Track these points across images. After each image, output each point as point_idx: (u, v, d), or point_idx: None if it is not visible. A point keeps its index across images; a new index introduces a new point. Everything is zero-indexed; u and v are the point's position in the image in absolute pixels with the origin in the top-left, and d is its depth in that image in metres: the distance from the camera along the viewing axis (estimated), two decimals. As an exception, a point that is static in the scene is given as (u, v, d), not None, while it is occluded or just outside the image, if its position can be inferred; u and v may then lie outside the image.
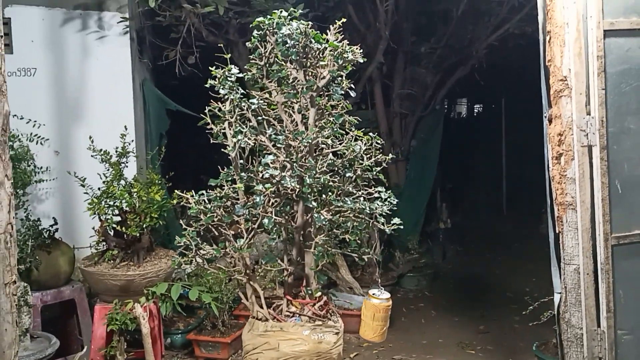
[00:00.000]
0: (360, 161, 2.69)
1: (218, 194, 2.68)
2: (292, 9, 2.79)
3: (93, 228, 4.32)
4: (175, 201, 4.09)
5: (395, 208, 2.72)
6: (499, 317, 5.83)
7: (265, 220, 2.49)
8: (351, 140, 2.72)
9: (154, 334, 4.18)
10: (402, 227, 2.72)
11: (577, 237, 3.23)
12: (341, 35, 2.78)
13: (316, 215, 2.56)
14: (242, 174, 2.69)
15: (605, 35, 3.09)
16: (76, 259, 4.65)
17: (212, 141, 2.79)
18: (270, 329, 2.62)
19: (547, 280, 6.23)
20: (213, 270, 2.66)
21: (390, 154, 2.85)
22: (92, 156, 4.34)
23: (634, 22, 3.12)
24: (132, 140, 4.82)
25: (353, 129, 2.81)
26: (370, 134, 2.80)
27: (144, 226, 4.08)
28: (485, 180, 11.29)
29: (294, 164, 2.50)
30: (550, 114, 3.27)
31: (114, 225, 4.10)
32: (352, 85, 2.77)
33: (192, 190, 2.88)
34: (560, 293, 3.35)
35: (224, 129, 2.68)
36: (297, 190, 2.49)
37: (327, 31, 2.81)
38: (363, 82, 6.94)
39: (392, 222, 2.69)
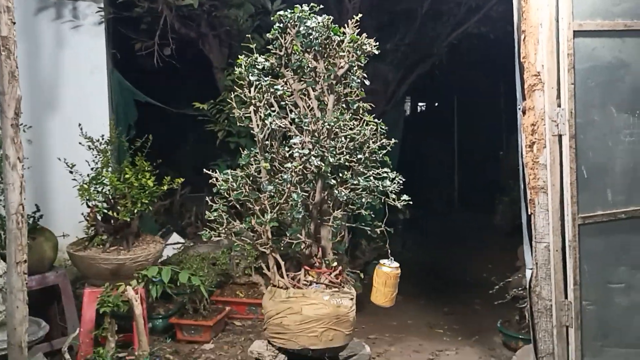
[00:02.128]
0: (369, 144, 2.94)
1: (244, 173, 2.87)
2: (312, 4, 2.99)
3: (82, 214, 4.39)
4: (165, 187, 4.26)
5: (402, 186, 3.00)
6: (461, 300, 6.20)
7: (294, 195, 2.70)
8: (363, 125, 2.96)
9: (142, 316, 4.30)
10: (411, 202, 3.00)
11: (547, 217, 3.56)
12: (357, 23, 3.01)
13: (336, 191, 2.80)
14: (266, 154, 2.89)
15: (574, 35, 3.42)
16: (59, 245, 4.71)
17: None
18: (292, 295, 2.83)
19: (503, 267, 6.71)
20: (231, 242, 2.82)
21: (392, 139, 3.11)
22: (80, 143, 4.40)
23: (599, 24, 3.47)
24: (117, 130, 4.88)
25: (366, 114, 3.05)
26: (376, 120, 3.06)
27: (135, 211, 4.19)
28: (439, 175, 11.73)
29: (316, 145, 2.73)
30: (524, 106, 3.59)
31: (105, 211, 4.19)
32: (365, 74, 3.01)
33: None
34: (531, 269, 3.68)
35: (249, 113, 2.87)
36: (321, 168, 2.71)
37: (345, 25, 3.04)
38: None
39: (402, 198, 2.96)
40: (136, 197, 4.17)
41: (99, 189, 4.27)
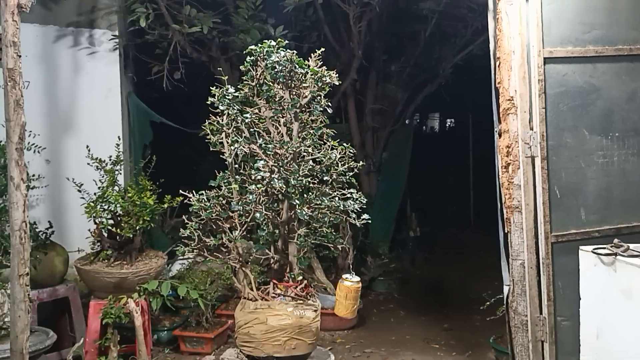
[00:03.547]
0: (336, 167, 3.15)
1: (216, 194, 3.11)
2: (279, 39, 3.24)
3: (89, 230, 4.67)
4: (166, 205, 4.52)
5: (364, 206, 3.19)
6: (462, 316, 6.29)
7: (257, 214, 2.92)
8: (328, 149, 3.18)
9: (144, 327, 4.54)
10: (370, 221, 3.20)
11: (522, 235, 3.71)
12: (319, 56, 3.25)
13: (299, 211, 3.02)
14: (237, 176, 3.12)
15: (545, 62, 3.59)
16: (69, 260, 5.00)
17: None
18: (259, 306, 3.05)
19: (507, 284, 6.71)
20: (213, 259, 3.05)
21: (361, 162, 3.31)
22: (88, 164, 4.70)
23: (569, 51, 3.63)
24: (125, 150, 5.17)
25: (330, 140, 3.27)
26: (344, 144, 3.27)
27: (137, 228, 4.45)
28: (454, 193, 11.82)
29: (281, 168, 2.95)
30: (500, 129, 3.76)
31: (109, 227, 4.47)
32: (329, 103, 3.24)
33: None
34: (508, 285, 3.82)
35: (222, 139, 3.12)
36: (284, 190, 2.93)
37: (309, 58, 3.28)
38: (338, 97, 7.41)
39: (362, 217, 3.16)
40: (138, 214, 4.44)
41: (105, 207, 4.54)
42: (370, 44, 7.66)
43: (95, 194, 4.60)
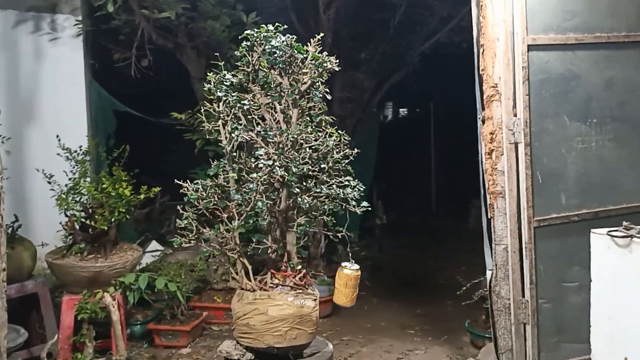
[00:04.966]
0: (332, 154, 3.12)
1: (214, 183, 3.03)
2: (277, 23, 3.17)
3: (60, 223, 4.50)
4: (142, 196, 4.39)
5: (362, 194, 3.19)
6: (434, 302, 6.38)
7: (259, 203, 2.86)
8: (326, 137, 3.15)
9: (121, 322, 4.41)
10: (370, 209, 3.20)
11: (506, 221, 3.76)
12: (318, 42, 3.20)
13: (300, 199, 2.98)
14: (234, 165, 3.05)
15: (529, 49, 3.63)
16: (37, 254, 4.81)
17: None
18: (259, 297, 2.99)
19: (476, 269, 6.90)
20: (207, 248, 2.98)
21: (355, 149, 3.29)
22: (58, 154, 4.52)
23: (552, 38, 3.69)
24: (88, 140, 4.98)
25: (328, 127, 3.24)
26: (339, 131, 3.24)
27: (112, 220, 4.32)
28: (416, 180, 11.95)
29: (281, 156, 2.90)
30: (484, 116, 3.79)
31: (83, 220, 4.32)
32: (328, 89, 3.20)
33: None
34: (491, 270, 3.87)
35: (218, 126, 3.04)
36: (285, 178, 2.88)
37: (308, 43, 3.22)
38: (306, 85, 7.34)
39: (361, 205, 3.15)
40: (113, 206, 4.30)
41: (77, 199, 4.38)
42: (338, 31, 7.61)
43: (67, 185, 4.42)
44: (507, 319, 3.81)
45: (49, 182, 4.40)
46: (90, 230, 4.39)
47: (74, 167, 4.52)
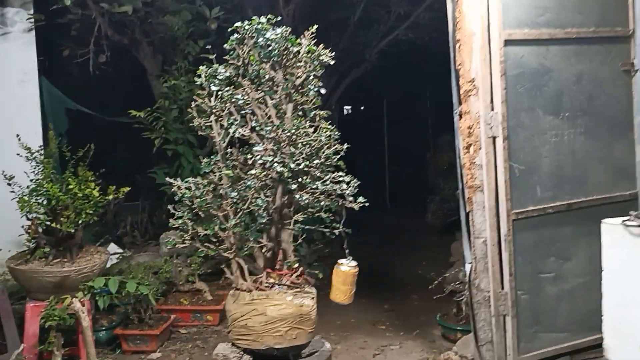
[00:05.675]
0: (325, 150, 3.06)
1: (207, 181, 2.91)
2: (270, 15, 3.08)
3: (23, 226, 4.27)
4: (110, 197, 4.22)
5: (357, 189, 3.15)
6: (400, 297, 6.42)
7: (259, 201, 2.78)
8: (320, 132, 3.09)
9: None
10: (367, 204, 3.17)
11: (484, 214, 3.80)
12: (312, 34, 3.14)
13: (297, 196, 2.91)
14: (227, 162, 2.95)
15: (505, 44, 3.69)
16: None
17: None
18: (256, 297, 2.91)
19: (436, 263, 7.00)
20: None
21: (345, 144, 3.25)
22: (18, 154, 4.29)
23: (526, 34, 3.75)
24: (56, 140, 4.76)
25: (322, 122, 3.18)
26: (329, 126, 3.19)
27: (79, 222, 4.13)
28: (370, 176, 12.01)
29: (278, 152, 2.82)
30: (461, 110, 3.82)
31: (47, 222, 4.11)
32: (321, 84, 3.14)
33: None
34: (470, 263, 3.91)
35: (210, 122, 2.93)
36: (284, 174, 2.81)
37: (303, 36, 3.15)
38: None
39: (358, 200, 3.11)
40: (80, 207, 4.11)
41: (40, 201, 4.17)
42: (296, 28, 7.55)
43: (28, 187, 4.20)
44: (487, 311, 3.86)
45: (9, 184, 4.16)
46: (55, 233, 4.18)
47: (35, 168, 4.30)
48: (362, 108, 13.39)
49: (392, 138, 12.21)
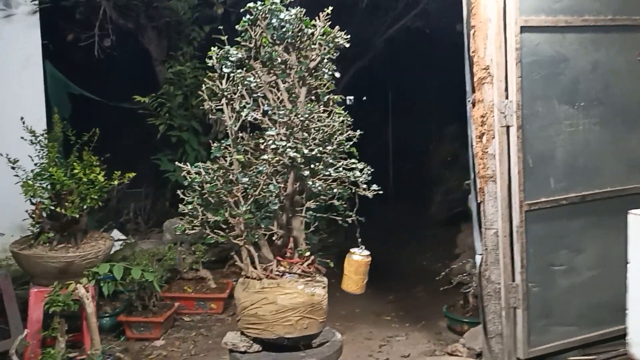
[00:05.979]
0: (338, 136, 2.99)
1: (217, 166, 2.85)
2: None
3: (27, 211, 4.21)
4: (115, 182, 4.16)
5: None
6: (404, 288, 6.36)
7: (271, 186, 2.71)
8: (334, 117, 3.02)
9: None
10: (381, 192, 3.11)
11: (496, 205, 3.74)
12: (328, 15, 3.07)
13: (310, 182, 2.84)
14: (238, 146, 2.88)
15: (521, 31, 3.60)
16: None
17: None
18: (267, 285, 2.85)
19: (441, 255, 6.93)
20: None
21: (358, 130, 3.18)
22: (22, 138, 4.22)
23: (543, 20, 3.67)
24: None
25: (336, 107, 3.11)
26: (342, 111, 3.12)
27: (84, 207, 4.07)
28: (374, 168, 11.91)
29: (291, 137, 2.75)
30: (474, 99, 3.74)
31: (52, 207, 4.05)
32: (335, 67, 3.07)
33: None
34: (481, 255, 3.85)
35: (221, 105, 2.85)
36: (298, 159, 2.74)
37: (317, 18, 3.08)
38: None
39: (371, 187, 3.05)
40: (85, 192, 4.05)
41: (44, 185, 4.11)
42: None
43: (32, 171, 4.14)
44: (497, 303, 3.81)
45: (13, 168, 4.10)
46: (59, 218, 4.12)
47: (39, 152, 4.23)
48: (367, 98, 13.26)
49: (396, 129, 12.10)
